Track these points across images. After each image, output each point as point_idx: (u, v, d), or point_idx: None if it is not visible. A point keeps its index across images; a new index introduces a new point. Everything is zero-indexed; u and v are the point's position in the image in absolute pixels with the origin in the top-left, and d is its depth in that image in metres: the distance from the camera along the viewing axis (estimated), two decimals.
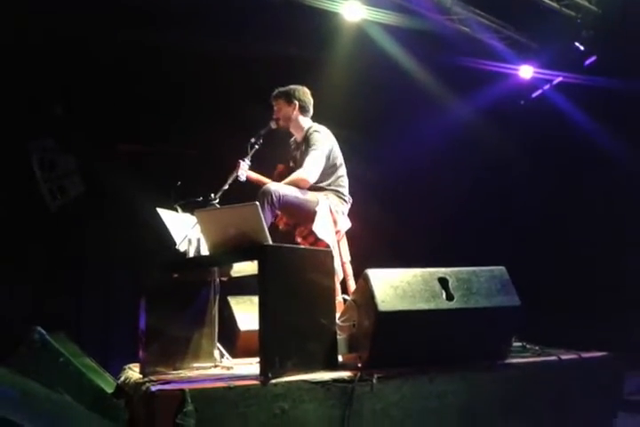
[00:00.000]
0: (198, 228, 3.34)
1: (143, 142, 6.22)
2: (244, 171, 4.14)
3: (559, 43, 6.32)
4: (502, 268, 3.28)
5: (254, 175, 4.27)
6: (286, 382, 2.72)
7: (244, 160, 4.13)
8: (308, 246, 3.90)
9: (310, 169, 4.03)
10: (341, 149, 4.30)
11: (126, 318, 5.44)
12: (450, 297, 3.06)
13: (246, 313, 4.24)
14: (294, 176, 4.01)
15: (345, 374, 2.84)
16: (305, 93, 4.35)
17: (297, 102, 4.29)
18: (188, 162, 6.07)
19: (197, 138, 6.22)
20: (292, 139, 4.46)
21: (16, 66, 5.36)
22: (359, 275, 3.13)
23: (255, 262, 2.99)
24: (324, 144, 4.13)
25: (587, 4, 5.90)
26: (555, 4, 5.94)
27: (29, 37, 5.38)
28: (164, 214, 3.70)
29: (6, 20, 5.09)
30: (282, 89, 4.33)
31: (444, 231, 6.93)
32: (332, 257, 3.28)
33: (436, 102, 6.66)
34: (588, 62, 6.25)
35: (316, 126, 4.28)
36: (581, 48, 6.14)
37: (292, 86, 4.34)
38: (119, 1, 5.31)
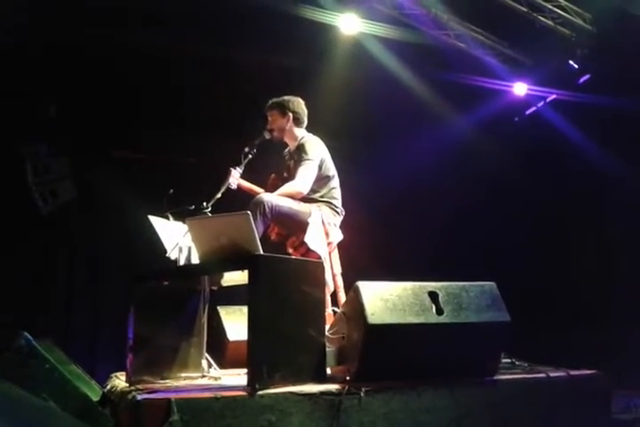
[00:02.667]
0: (189, 236, 3.33)
1: (137, 149, 6.21)
2: (236, 179, 4.13)
3: (554, 60, 6.37)
4: (492, 283, 3.28)
5: (246, 184, 4.27)
6: (274, 393, 2.70)
7: (235, 168, 4.13)
8: (299, 257, 3.89)
9: (303, 180, 4.03)
10: (335, 160, 4.30)
11: (114, 325, 5.41)
12: (440, 311, 3.06)
13: (235, 323, 4.22)
14: (287, 187, 4.00)
15: (333, 387, 2.83)
16: (299, 104, 4.34)
17: (291, 114, 4.28)
18: (182, 169, 6.05)
19: (192, 146, 6.21)
20: (287, 150, 4.45)
21: (9, 70, 5.34)
22: (350, 287, 3.13)
23: (246, 272, 2.98)
24: (316, 154, 4.12)
25: (581, 22, 5.96)
26: (550, 22, 5.99)
27: (24, 42, 5.37)
28: (156, 222, 3.70)
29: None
30: (276, 100, 4.32)
31: (435, 245, 6.93)
32: (323, 269, 3.28)
33: (431, 117, 6.68)
34: (582, 80, 6.28)
35: (309, 137, 4.28)
36: (575, 66, 6.18)
37: (285, 97, 4.32)
38: (118, 5, 5.30)
